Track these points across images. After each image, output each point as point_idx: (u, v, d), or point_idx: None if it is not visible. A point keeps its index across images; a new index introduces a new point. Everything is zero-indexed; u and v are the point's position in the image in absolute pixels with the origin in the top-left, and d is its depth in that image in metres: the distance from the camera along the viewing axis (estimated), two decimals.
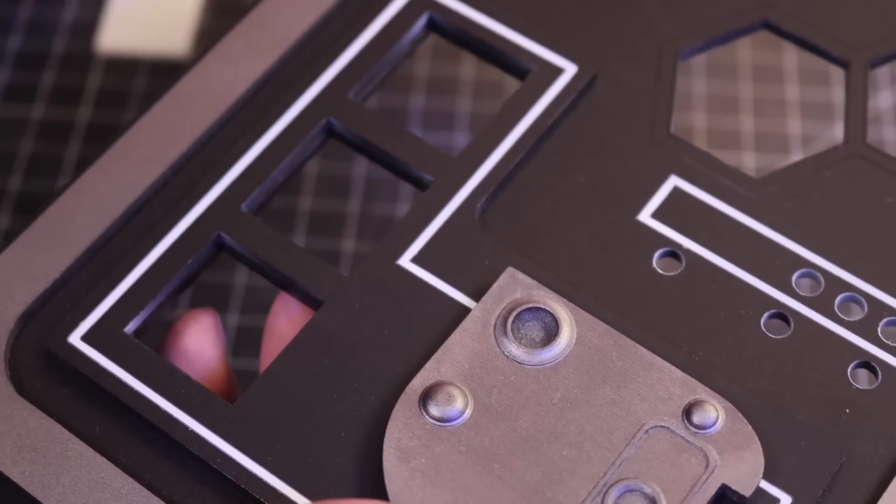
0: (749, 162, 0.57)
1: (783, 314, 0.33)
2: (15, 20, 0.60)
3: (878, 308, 0.33)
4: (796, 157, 0.57)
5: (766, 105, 0.58)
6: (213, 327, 0.35)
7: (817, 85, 0.58)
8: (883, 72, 0.57)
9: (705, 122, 0.57)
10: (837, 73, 0.59)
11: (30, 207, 0.56)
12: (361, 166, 0.56)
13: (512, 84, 0.60)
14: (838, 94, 0.59)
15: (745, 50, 0.58)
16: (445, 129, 0.59)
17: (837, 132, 0.58)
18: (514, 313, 0.32)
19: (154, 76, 0.59)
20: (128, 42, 0.60)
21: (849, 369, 0.32)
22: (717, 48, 0.37)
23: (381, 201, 0.56)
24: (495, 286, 0.33)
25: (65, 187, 0.36)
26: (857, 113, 0.36)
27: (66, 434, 0.33)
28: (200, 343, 0.35)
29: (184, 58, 0.60)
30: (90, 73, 0.59)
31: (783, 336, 0.33)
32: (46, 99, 0.58)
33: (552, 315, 0.32)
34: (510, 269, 0.33)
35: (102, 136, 0.57)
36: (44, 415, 0.33)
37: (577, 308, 0.33)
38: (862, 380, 0.32)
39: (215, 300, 0.53)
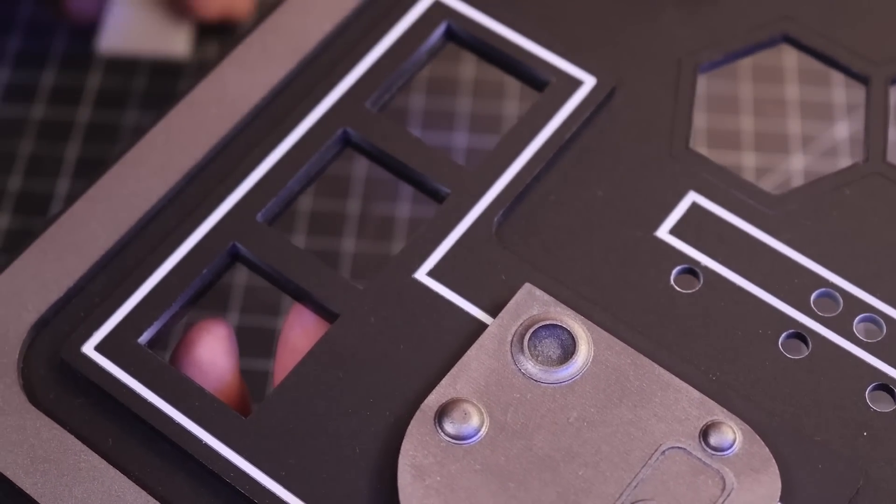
0: (749, 162, 0.57)
1: (801, 334, 0.33)
2: (15, 20, 0.60)
3: None
4: (796, 156, 0.57)
5: (766, 105, 0.57)
6: (226, 338, 0.35)
7: (817, 85, 0.58)
8: None
9: (705, 122, 0.57)
10: (837, 74, 0.59)
11: (30, 207, 0.55)
12: (361, 166, 0.56)
13: (512, 84, 0.60)
14: (838, 94, 0.59)
15: None
16: (445, 129, 0.59)
17: (837, 132, 0.58)
18: (531, 330, 0.32)
19: (154, 76, 0.59)
20: (128, 42, 0.60)
21: (867, 391, 0.32)
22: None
23: (381, 201, 0.56)
24: (512, 302, 0.33)
25: (78, 195, 0.35)
26: (877, 130, 0.36)
27: (79, 445, 0.32)
28: (213, 354, 0.35)
29: (184, 58, 0.60)
30: (90, 73, 0.59)
31: (801, 356, 0.33)
32: (46, 99, 0.58)
33: (569, 332, 0.32)
34: (527, 286, 0.33)
35: (102, 137, 0.57)
36: (56, 425, 0.33)
37: (595, 326, 0.32)
38: (880, 402, 0.32)
39: (215, 300, 0.53)
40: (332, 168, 0.56)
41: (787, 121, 0.57)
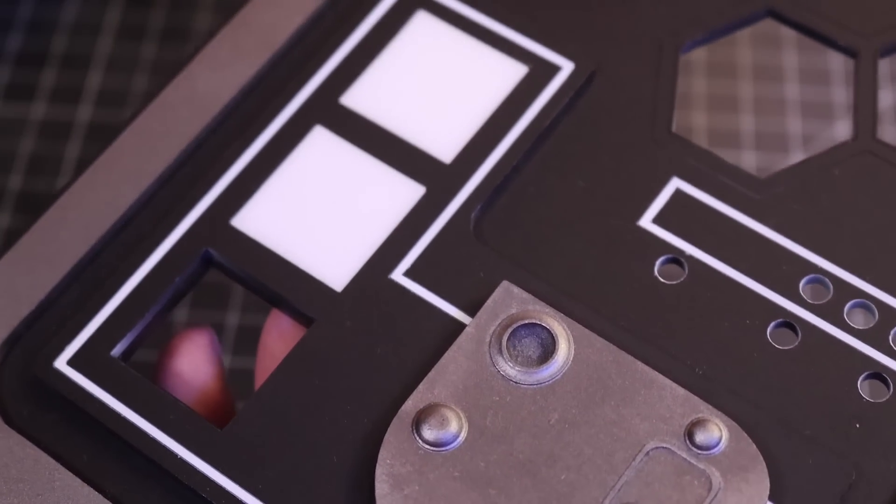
0: (749, 161, 0.56)
1: (790, 323, 0.32)
2: (15, 20, 0.59)
3: (889, 315, 0.32)
4: (796, 155, 0.56)
5: (766, 104, 0.57)
6: (209, 345, 0.34)
7: (817, 84, 0.58)
8: (883, 70, 0.57)
9: (705, 121, 0.56)
10: (838, 73, 0.58)
11: (30, 207, 0.55)
12: None
13: None
14: (838, 94, 0.58)
15: (745, 49, 0.57)
16: None
17: (837, 131, 0.58)
18: (510, 330, 0.31)
19: (155, 75, 0.59)
20: None
21: (859, 381, 0.31)
22: (717, 44, 0.36)
23: None
24: (490, 301, 0.32)
25: (48, 205, 0.35)
26: (866, 105, 0.34)
27: (53, 463, 0.32)
28: (195, 363, 0.34)
29: None
30: (90, 73, 0.58)
31: (790, 346, 0.32)
32: (46, 99, 0.57)
33: (549, 331, 0.31)
34: (505, 283, 0.32)
35: (102, 136, 0.57)
36: (30, 444, 0.32)
37: (575, 323, 0.31)
38: (873, 392, 0.31)
39: (215, 300, 0.52)
40: None
41: (787, 120, 0.57)
